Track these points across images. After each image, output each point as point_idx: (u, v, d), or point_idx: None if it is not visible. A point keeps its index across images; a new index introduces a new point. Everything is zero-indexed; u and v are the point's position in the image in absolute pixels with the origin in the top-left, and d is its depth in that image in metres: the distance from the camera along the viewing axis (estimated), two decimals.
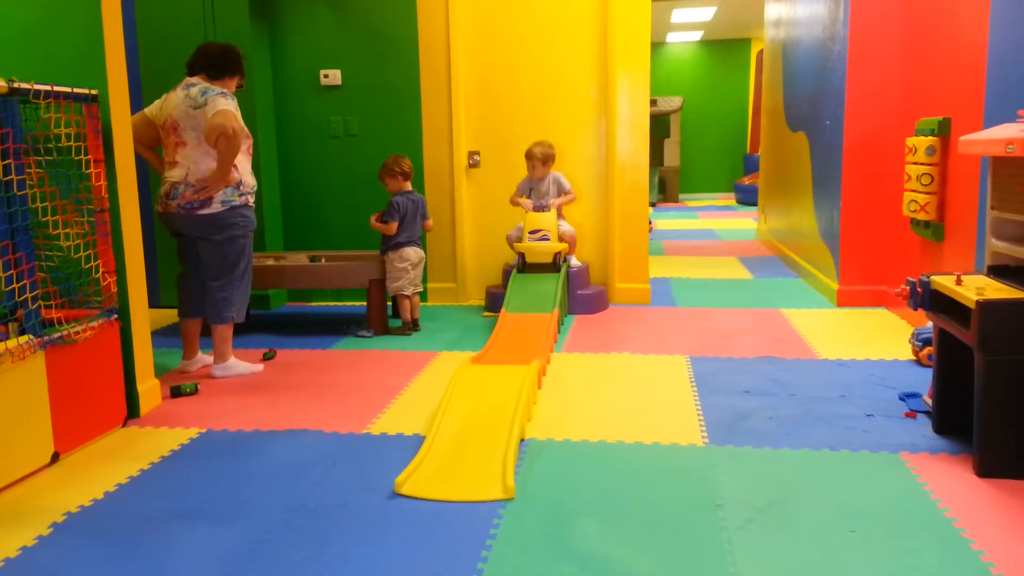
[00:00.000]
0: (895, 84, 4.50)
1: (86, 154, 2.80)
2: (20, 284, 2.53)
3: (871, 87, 4.55)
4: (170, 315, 4.70)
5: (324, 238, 5.16)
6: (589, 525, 2.13)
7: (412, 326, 4.37)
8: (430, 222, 4.49)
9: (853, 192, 4.65)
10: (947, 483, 2.33)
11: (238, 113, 3.46)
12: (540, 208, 4.67)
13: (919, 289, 2.69)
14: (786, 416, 2.91)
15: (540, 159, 4.68)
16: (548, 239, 4.60)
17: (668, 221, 9.90)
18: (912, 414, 2.87)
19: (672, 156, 12.51)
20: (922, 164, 3.89)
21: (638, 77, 4.81)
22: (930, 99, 4.01)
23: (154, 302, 4.82)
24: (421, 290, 4.44)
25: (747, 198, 11.41)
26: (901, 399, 3.02)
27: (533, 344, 3.75)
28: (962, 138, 2.73)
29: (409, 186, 4.38)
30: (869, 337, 4.02)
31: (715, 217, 10.35)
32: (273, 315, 4.93)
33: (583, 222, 4.99)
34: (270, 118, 5.06)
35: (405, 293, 4.30)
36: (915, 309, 2.73)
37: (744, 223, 9.42)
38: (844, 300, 4.73)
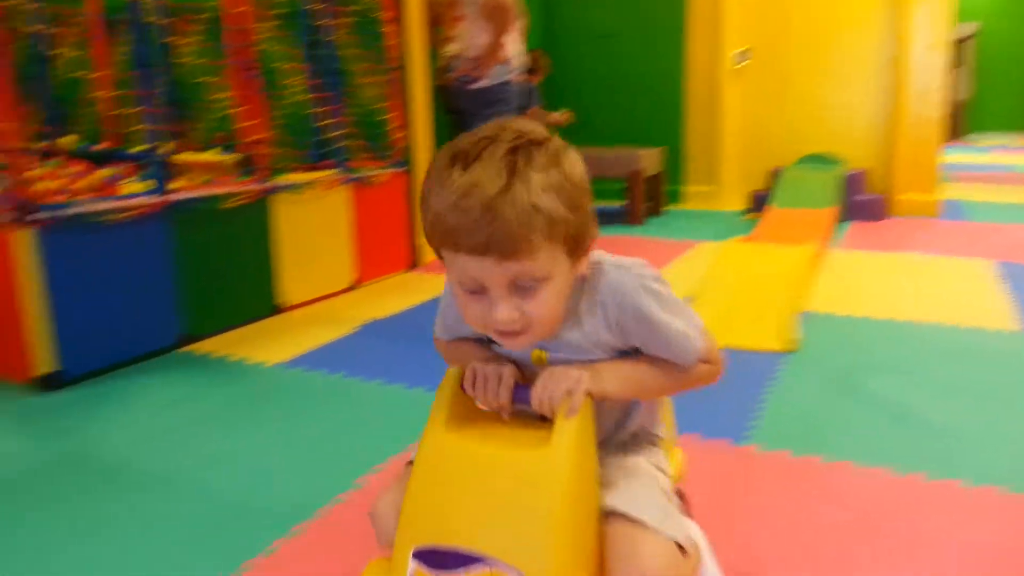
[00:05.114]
0: None
1: (381, 12, 3.00)
2: (329, 121, 2.79)
3: None
4: None
5: (587, 134, 5.15)
6: (882, 378, 1.96)
7: None
8: None
9: None
10: None
11: None
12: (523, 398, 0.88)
13: None
14: None
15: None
16: None
17: (950, 156, 8.78)
18: None
19: (961, 88, 11.04)
20: None
21: None
22: None
23: None
24: None
25: None
26: None
27: (805, 233, 3.51)
28: None
29: None
30: None
31: (1012, 153, 9.02)
32: None
33: (857, 123, 4.55)
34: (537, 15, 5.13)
35: None
36: None
37: None
38: None
